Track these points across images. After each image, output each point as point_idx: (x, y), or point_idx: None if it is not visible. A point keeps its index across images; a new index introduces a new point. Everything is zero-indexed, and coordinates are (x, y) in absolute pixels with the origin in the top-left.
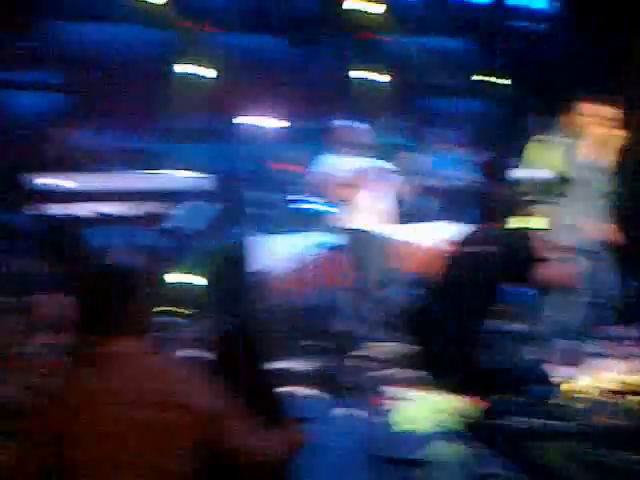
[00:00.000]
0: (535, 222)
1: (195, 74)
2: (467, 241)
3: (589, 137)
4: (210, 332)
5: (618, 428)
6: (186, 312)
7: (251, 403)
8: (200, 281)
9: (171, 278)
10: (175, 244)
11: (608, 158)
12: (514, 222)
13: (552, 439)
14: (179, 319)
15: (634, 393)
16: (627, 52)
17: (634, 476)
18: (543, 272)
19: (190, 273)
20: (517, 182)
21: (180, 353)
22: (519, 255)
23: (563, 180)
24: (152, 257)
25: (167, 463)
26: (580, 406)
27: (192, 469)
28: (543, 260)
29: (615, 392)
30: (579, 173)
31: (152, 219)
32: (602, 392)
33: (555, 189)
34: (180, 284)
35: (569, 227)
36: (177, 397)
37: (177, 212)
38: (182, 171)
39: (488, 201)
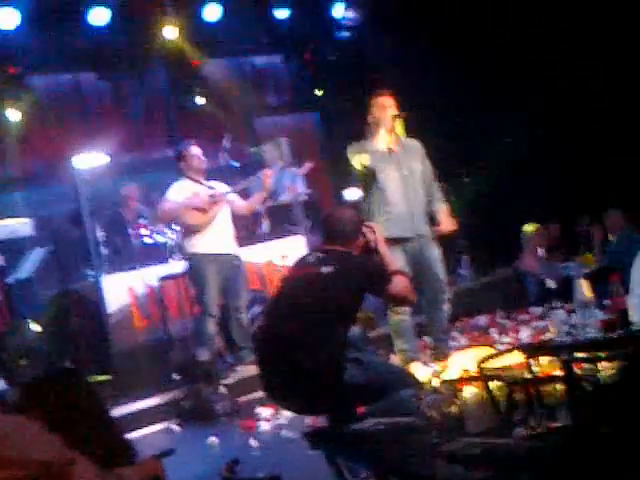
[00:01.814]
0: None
1: (8, 119)
2: (310, 262)
3: (384, 127)
4: (33, 382)
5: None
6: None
7: (94, 448)
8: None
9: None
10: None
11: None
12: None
13: (407, 436)
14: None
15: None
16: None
17: (474, 460)
18: (388, 290)
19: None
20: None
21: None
22: (362, 276)
23: (370, 172)
24: None
25: None
26: (435, 397)
27: None
28: (385, 278)
29: (459, 381)
30: (384, 162)
31: None
32: (447, 383)
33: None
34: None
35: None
36: (12, 451)
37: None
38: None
39: (331, 222)
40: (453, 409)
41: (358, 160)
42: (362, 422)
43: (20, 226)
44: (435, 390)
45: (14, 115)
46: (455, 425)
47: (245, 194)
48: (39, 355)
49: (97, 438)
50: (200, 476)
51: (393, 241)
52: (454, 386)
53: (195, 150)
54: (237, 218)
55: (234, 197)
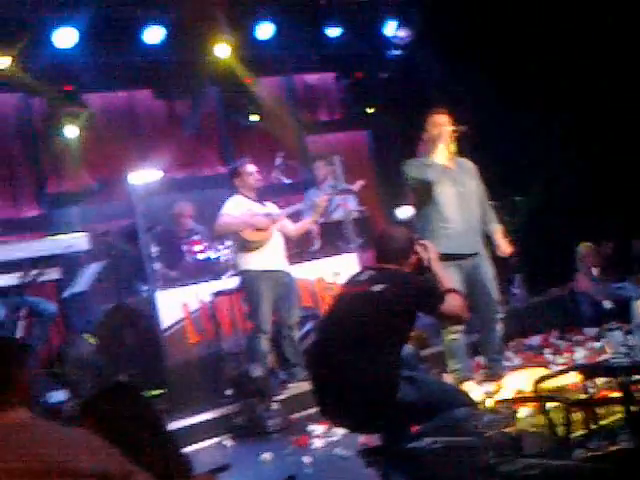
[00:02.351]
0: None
1: (65, 136)
2: (362, 280)
3: (440, 144)
4: (93, 396)
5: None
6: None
7: (152, 462)
8: (92, 342)
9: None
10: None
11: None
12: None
13: (464, 455)
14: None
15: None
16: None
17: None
18: (440, 309)
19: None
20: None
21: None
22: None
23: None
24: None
25: None
26: (493, 418)
27: None
28: (438, 297)
29: (516, 401)
30: (440, 177)
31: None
32: (504, 403)
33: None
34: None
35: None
36: (76, 461)
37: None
38: (65, 234)
39: (383, 241)
40: (510, 429)
41: (415, 174)
42: (418, 441)
43: (76, 240)
44: (492, 410)
45: (70, 132)
46: (512, 446)
47: (295, 214)
48: (94, 368)
49: (155, 452)
50: None
51: (448, 258)
52: (511, 406)
53: (251, 168)
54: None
55: (284, 219)
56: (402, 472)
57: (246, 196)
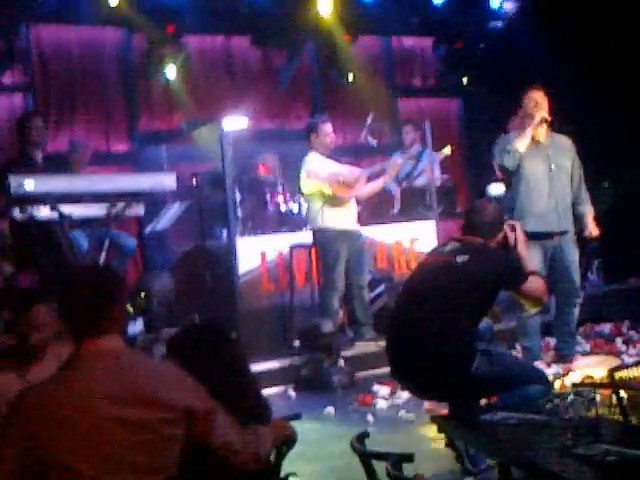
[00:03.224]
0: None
1: (162, 75)
2: (446, 250)
3: (536, 121)
4: (179, 332)
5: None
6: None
7: (234, 403)
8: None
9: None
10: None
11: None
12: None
13: (536, 432)
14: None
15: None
16: None
17: (612, 467)
18: (521, 288)
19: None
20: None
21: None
22: (498, 269)
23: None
24: (124, 257)
25: (150, 460)
26: (575, 399)
27: (177, 468)
28: (520, 275)
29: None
30: (532, 155)
31: (119, 220)
32: (582, 387)
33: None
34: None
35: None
36: (163, 393)
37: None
38: (151, 172)
39: (474, 214)
40: (590, 413)
41: (507, 150)
42: (490, 414)
43: (164, 179)
44: (576, 392)
45: (167, 72)
46: (591, 430)
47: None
48: (169, 305)
49: (239, 393)
50: (319, 441)
51: (535, 236)
52: (592, 390)
53: (328, 127)
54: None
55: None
56: (472, 443)
57: (321, 154)
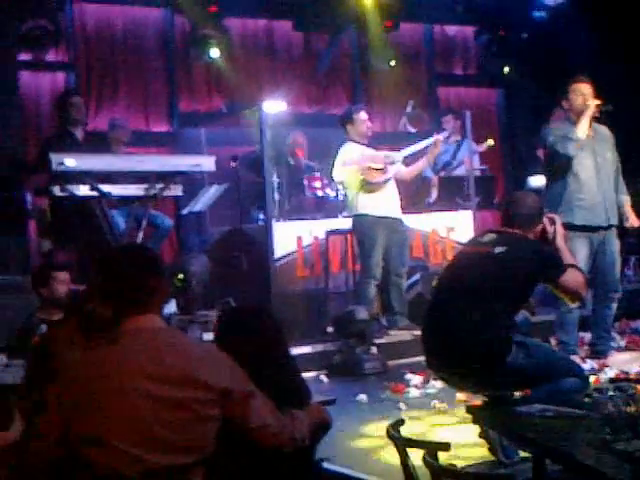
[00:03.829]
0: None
1: (204, 57)
2: (485, 241)
3: (581, 113)
4: (220, 314)
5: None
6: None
7: (272, 386)
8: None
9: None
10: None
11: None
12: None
13: (574, 425)
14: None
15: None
16: None
17: None
18: (560, 282)
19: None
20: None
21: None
22: (536, 261)
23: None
24: (160, 237)
25: (185, 439)
26: (615, 395)
27: (213, 448)
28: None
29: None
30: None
31: (157, 200)
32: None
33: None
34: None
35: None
36: (200, 373)
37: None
38: (190, 153)
39: (513, 205)
40: (630, 409)
41: (558, 143)
42: (526, 405)
43: (203, 161)
44: (615, 387)
45: (208, 53)
46: (631, 426)
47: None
48: (205, 288)
49: (278, 376)
50: (353, 427)
51: (582, 229)
52: (634, 386)
53: (364, 115)
54: (408, 184)
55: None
56: (507, 434)
57: (357, 142)
